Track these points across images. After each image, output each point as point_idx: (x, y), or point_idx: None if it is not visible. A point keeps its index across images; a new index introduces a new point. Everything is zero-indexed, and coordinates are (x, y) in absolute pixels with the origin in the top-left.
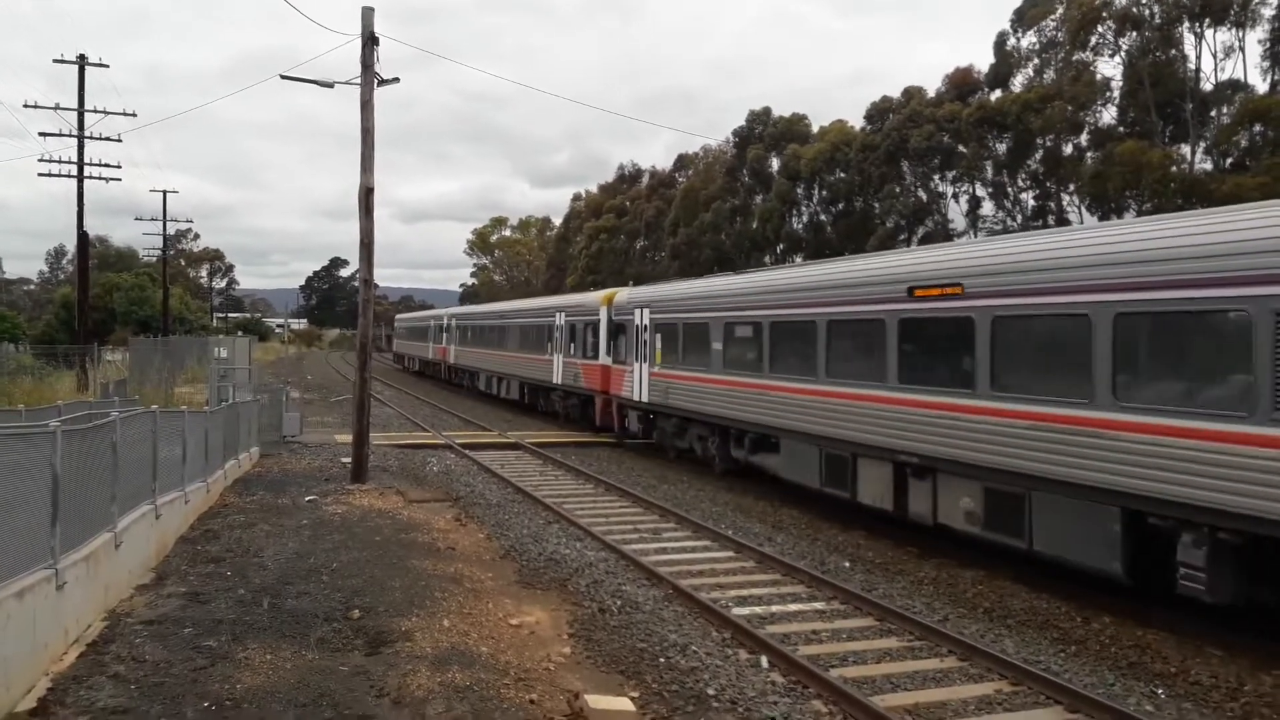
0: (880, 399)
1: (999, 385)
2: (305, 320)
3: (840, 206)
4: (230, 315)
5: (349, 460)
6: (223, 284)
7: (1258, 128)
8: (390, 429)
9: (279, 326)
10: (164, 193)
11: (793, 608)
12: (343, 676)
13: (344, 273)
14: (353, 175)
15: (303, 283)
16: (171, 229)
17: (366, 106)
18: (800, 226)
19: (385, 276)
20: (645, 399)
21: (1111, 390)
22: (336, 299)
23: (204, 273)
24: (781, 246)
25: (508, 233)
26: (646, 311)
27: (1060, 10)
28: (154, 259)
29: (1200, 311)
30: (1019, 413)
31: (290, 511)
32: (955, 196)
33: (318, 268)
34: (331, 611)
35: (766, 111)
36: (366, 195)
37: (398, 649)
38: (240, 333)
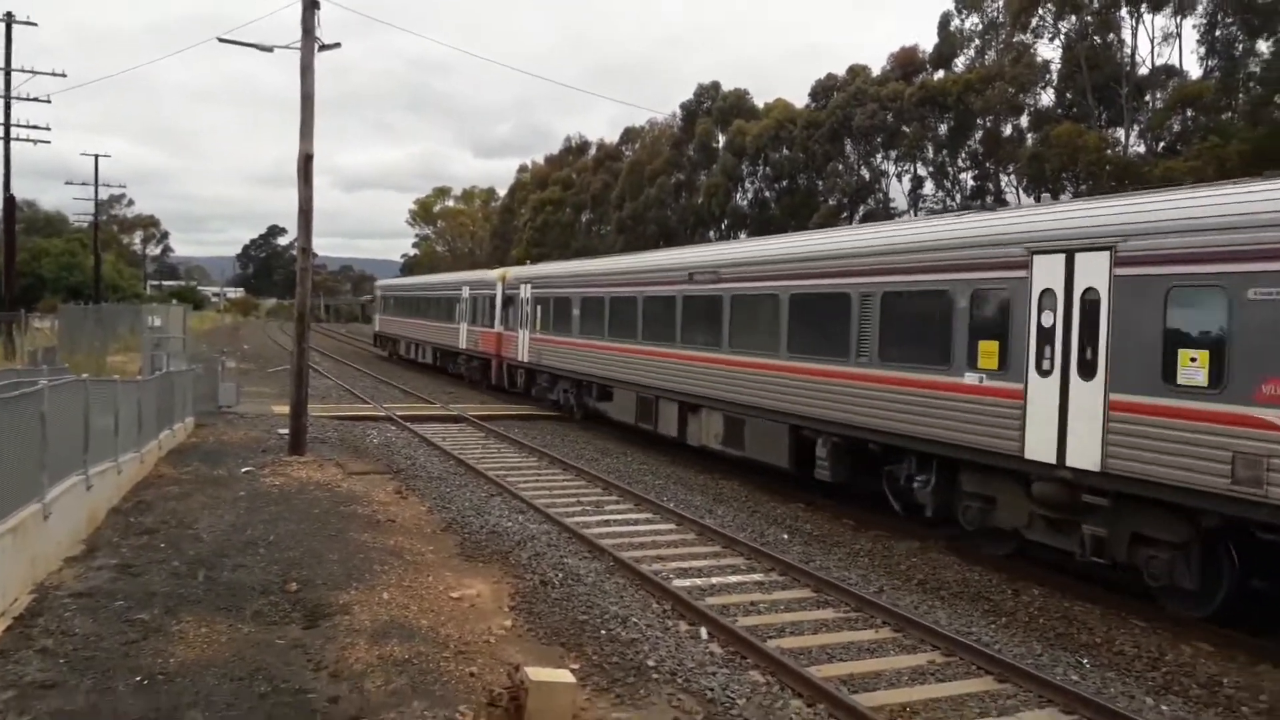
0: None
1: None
2: (242, 289)
3: (785, 184)
4: (165, 283)
5: (286, 431)
6: (157, 251)
7: (1189, 113)
8: (329, 400)
9: (215, 295)
10: (95, 156)
11: (732, 579)
12: (279, 650)
13: (282, 241)
14: (292, 142)
15: (240, 251)
16: (104, 194)
17: (307, 71)
18: (745, 203)
19: (324, 246)
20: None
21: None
22: (274, 268)
23: (138, 239)
24: (726, 222)
25: (451, 203)
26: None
27: None
28: (85, 224)
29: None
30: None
31: (226, 483)
32: (898, 176)
33: (255, 236)
34: (268, 584)
35: (715, 86)
36: (306, 162)
37: (336, 622)
38: (175, 301)
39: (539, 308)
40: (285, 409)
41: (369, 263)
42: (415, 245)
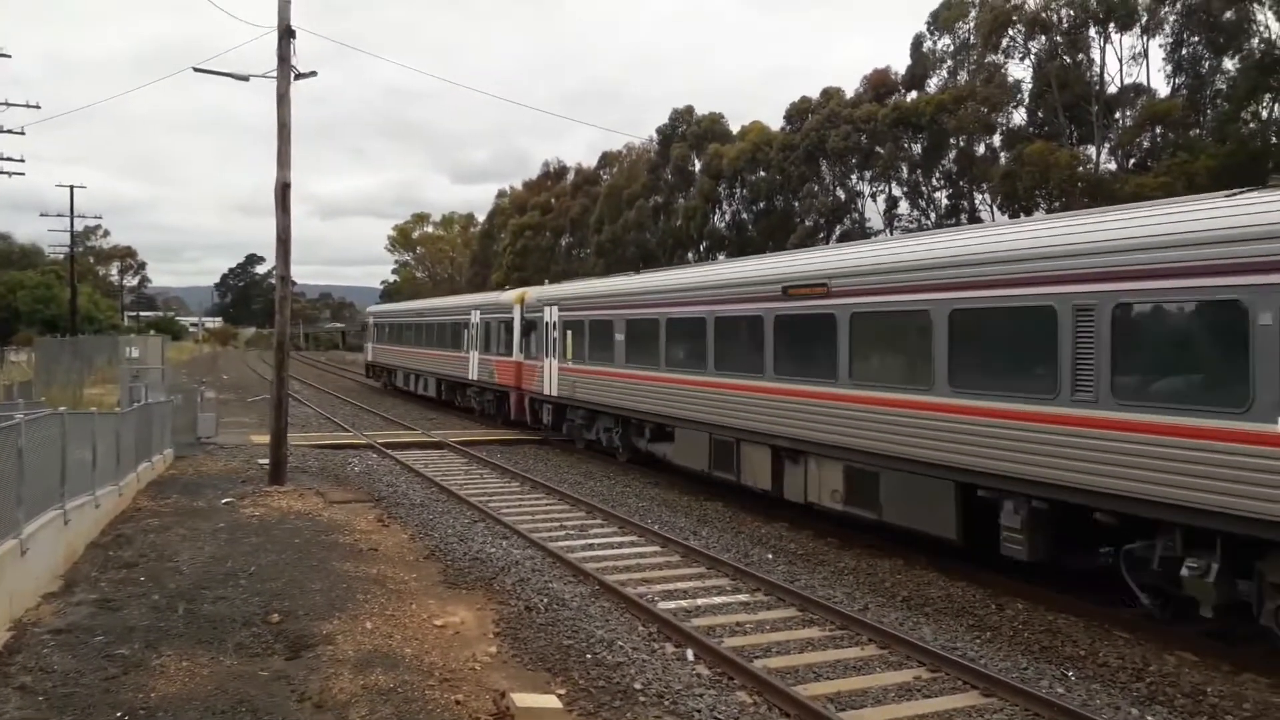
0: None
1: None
2: (220, 319)
3: (762, 205)
4: (142, 314)
5: (266, 461)
6: (134, 282)
7: (1158, 130)
8: (309, 429)
9: (193, 325)
10: (70, 188)
11: (718, 600)
12: (262, 682)
13: (260, 270)
14: (268, 170)
15: (218, 280)
16: (79, 225)
17: (283, 100)
18: (723, 224)
19: (303, 274)
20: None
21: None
22: (252, 297)
23: (114, 271)
24: (705, 244)
25: (430, 229)
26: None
27: (974, 13)
28: (61, 256)
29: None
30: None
31: (206, 514)
32: (873, 196)
33: (233, 265)
34: (250, 616)
35: (689, 110)
36: (283, 191)
37: (319, 653)
38: (153, 332)
39: (569, 333)
40: (265, 439)
41: (348, 290)
42: (395, 272)
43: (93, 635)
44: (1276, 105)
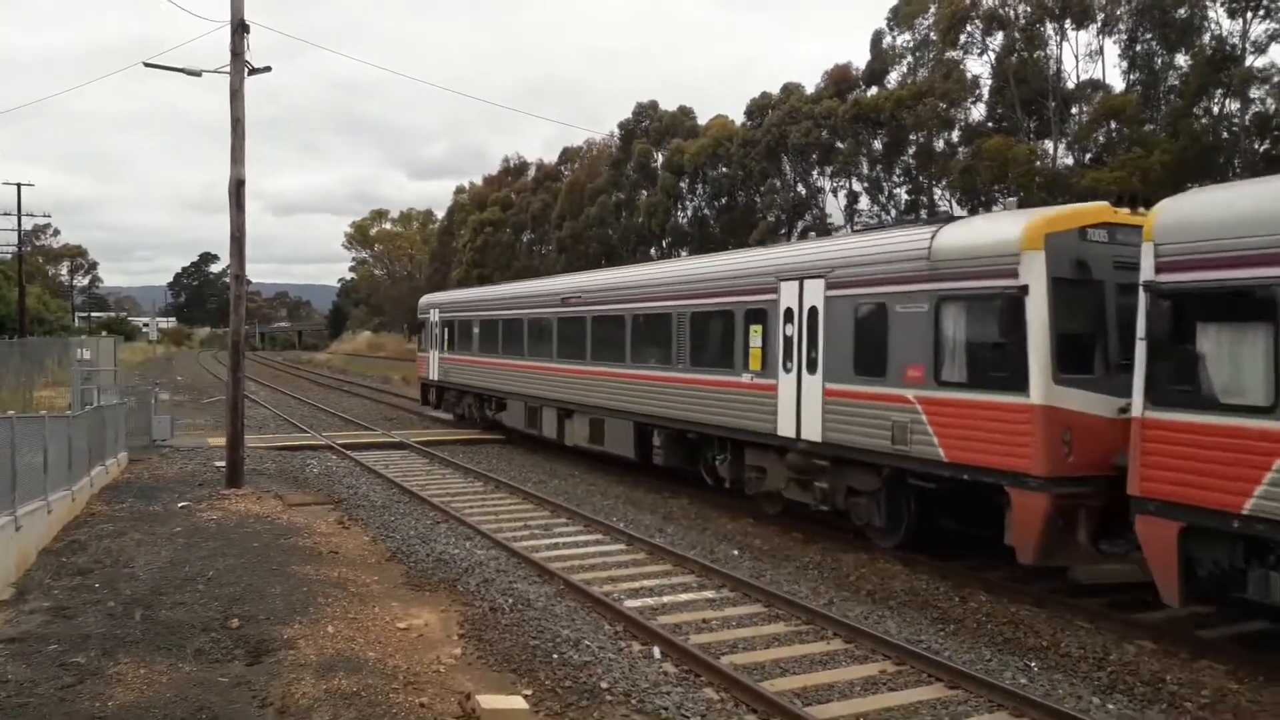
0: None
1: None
2: (174, 319)
3: (724, 201)
4: (94, 314)
5: (223, 464)
6: (85, 282)
7: (1114, 124)
8: (266, 430)
9: (146, 325)
10: (18, 186)
11: (684, 597)
12: (223, 688)
13: (214, 268)
14: (221, 167)
15: (171, 279)
16: (27, 224)
17: (236, 96)
18: (685, 220)
19: (257, 272)
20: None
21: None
22: (207, 296)
23: (64, 270)
24: (668, 240)
25: (388, 225)
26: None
27: (933, 9)
28: (8, 256)
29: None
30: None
31: (162, 519)
32: (834, 191)
33: (186, 264)
34: (209, 621)
35: (654, 105)
36: (237, 188)
37: (280, 657)
38: (104, 333)
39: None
40: (222, 441)
41: (304, 288)
42: (352, 269)
43: (47, 644)
44: (1227, 101)
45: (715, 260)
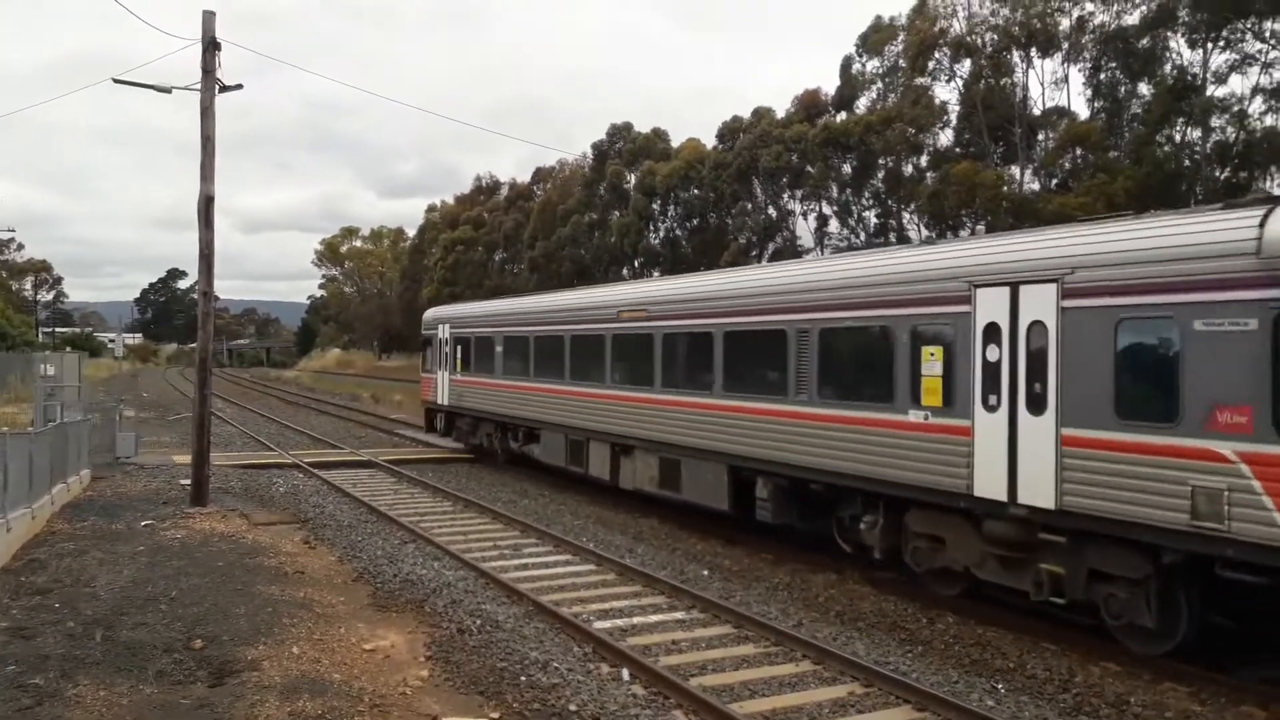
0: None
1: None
2: (141, 335)
3: (695, 222)
4: (58, 330)
5: (188, 482)
6: (50, 297)
7: (1079, 151)
8: (233, 448)
9: (112, 341)
10: None
11: (654, 618)
12: (184, 711)
13: (182, 285)
14: (190, 183)
15: (138, 295)
16: None
17: (207, 113)
18: (657, 241)
19: (226, 289)
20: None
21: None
22: (174, 312)
23: (28, 285)
24: (640, 260)
25: (359, 243)
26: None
27: (902, 37)
28: None
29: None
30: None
31: (125, 537)
32: (804, 214)
33: (154, 280)
34: (171, 642)
35: (628, 126)
36: (207, 205)
37: (244, 679)
38: (69, 348)
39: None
40: (187, 458)
41: (272, 305)
42: (322, 286)
43: (4, 664)
44: (1189, 129)
45: (858, 262)
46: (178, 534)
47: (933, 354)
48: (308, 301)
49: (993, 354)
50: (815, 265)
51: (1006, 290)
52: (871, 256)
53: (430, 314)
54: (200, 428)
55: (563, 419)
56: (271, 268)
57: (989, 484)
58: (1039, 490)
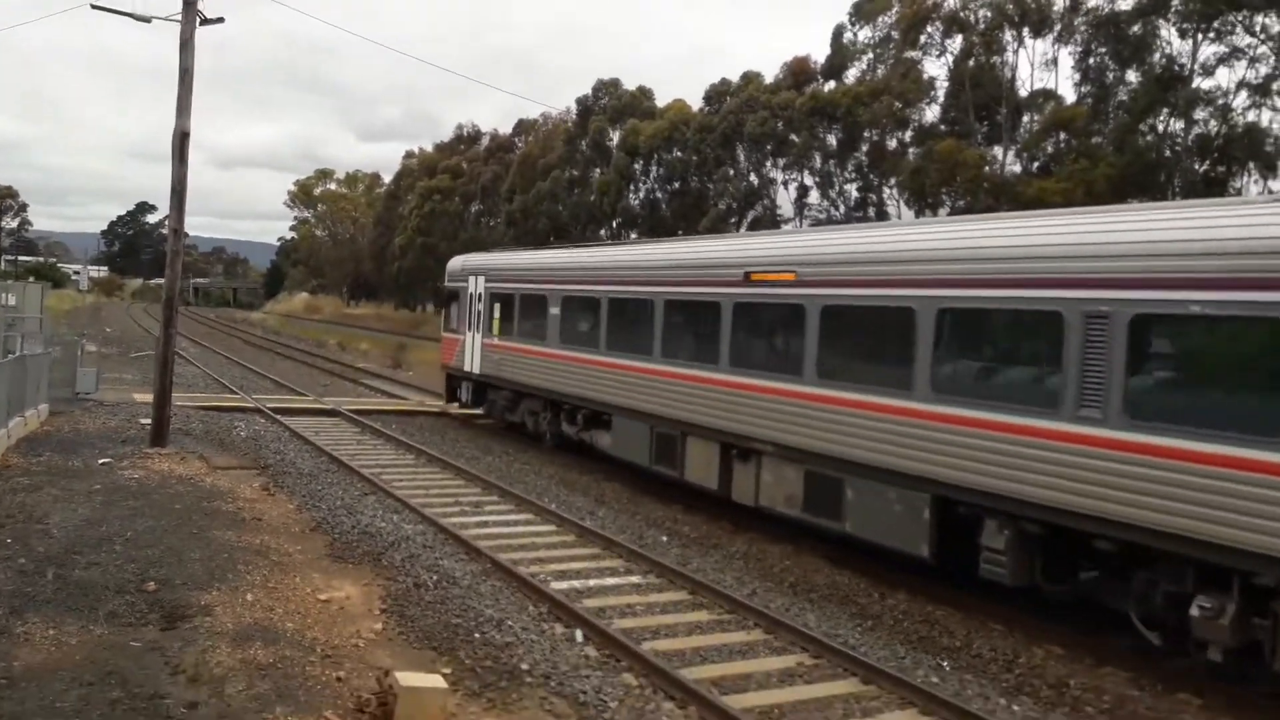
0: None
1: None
2: (106, 268)
3: (676, 185)
4: (21, 258)
5: (148, 421)
6: (14, 224)
7: (1063, 135)
8: (195, 389)
9: (76, 273)
10: None
11: (610, 581)
12: (134, 653)
13: (151, 219)
14: (164, 115)
15: (105, 228)
16: None
17: (186, 46)
18: (637, 203)
19: (196, 225)
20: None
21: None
22: (142, 247)
23: None
24: (618, 221)
25: (334, 186)
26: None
27: (895, 7)
28: None
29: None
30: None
31: (81, 475)
32: (785, 183)
33: (122, 212)
34: (124, 583)
35: (615, 82)
36: (182, 140)
37: (196, 624)
38: (32, 278)
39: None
40: (148, 397)
41: (242, 244)
42: (293, 229)
43: None
44: (1172, 120)
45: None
46: (135, 474)
47: None
48: (278, 243)
49: None
50: (1124, 214)
51: None
52: None
53: (457, 262)
54: (163, 366)
55: (647, 405)
56: (243, 206)
57: None
58: None
